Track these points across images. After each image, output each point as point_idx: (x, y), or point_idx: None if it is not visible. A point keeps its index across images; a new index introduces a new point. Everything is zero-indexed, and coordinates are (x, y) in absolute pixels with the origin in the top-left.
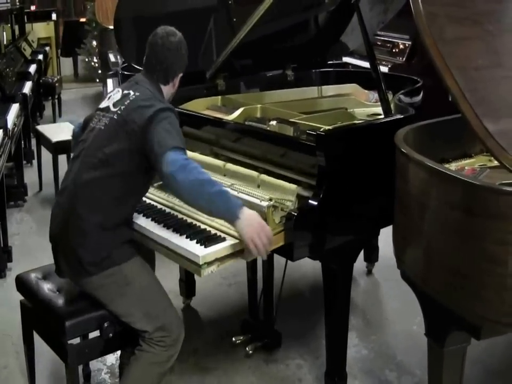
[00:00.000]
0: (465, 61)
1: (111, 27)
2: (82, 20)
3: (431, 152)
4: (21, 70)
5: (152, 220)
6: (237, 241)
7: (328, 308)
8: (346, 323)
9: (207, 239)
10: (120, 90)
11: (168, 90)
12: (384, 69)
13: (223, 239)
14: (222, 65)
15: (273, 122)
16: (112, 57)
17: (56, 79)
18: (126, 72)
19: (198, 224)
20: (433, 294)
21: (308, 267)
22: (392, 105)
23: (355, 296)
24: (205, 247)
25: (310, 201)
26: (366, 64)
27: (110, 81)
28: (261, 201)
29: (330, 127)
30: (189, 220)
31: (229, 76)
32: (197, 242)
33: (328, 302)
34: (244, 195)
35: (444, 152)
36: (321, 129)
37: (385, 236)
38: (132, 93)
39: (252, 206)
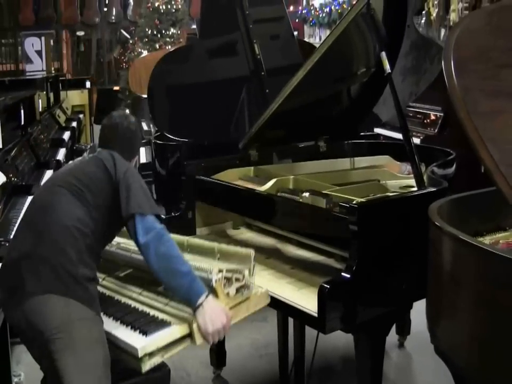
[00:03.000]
0: (500, 134)
1: (144, 96)
2: (116, 88)
3: (465, 225)
4: (55, 136)
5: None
6: (184, 324)
7: (360, 380)
8: None
9: (149, 326)
10: None
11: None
12: (416, 140)
13: (168, 324)
14: (255, 136)
15: (306, 194)
16: (145, 126)
17: (89, 146)
18: (158, 142)
19: (147, 310)
20: (469, 373)
21: (340, 339)
22: (425, 178)
23: (387, 369)
24: (146, 336)
25: (343, 273)
26: (397, 135)
27: (142, 150)
28: (208, 275)
29: (363, 199)
30: (138, 307)
31: (262, 146)
32: (139, 332)
33: (360, 374)
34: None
35: (478, 225)
36: (354, 202)
37: (418, 309)
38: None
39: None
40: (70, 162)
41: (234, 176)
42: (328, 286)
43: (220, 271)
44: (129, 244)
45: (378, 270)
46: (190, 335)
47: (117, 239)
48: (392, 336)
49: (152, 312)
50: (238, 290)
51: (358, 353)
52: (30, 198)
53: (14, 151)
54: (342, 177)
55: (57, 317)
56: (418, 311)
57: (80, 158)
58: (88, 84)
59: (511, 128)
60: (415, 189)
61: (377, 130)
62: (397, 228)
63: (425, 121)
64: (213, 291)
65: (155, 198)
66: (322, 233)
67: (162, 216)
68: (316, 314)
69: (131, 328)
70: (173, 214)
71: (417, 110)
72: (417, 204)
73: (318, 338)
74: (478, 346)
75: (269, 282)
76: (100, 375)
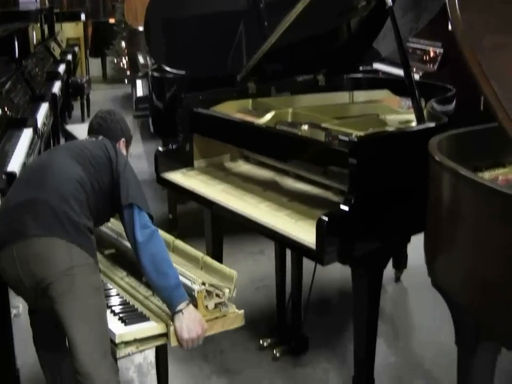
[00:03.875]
0: (504, 69)
1: (140, 28)
2: (111, 20)
3: (464, 161)
4: (50, 70)
5: None
6: (162, 323)
7: (356, 313)
8: (374, 329)
9: (129, 316)
10: None
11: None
12: (416, 76)
13: (147, 319)
14: (253, 69)
15: (305, 127)
16: (141, 59)
17: (85, 79)
18: (155, 74)
19: (128, 299)
20: (465, 303)
21: (336, 272)
22: (425, 113)
23: (383, 303)
24: (125, 325)
25: (341, 206)
26: (396, 71)
27: (139, 83)
28: (192, 284)
29: (362, 133)
30: (119, 293)
31: (260, 79)
32: (118, 319)
33: (357, 307)
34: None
35: (477, 160)
36: (354, 135)
37: (415, 243)
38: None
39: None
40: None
41: (232, 109)
42: (327, 219)
43: (203, 283)
44: (117, 226)
45: (376, 203)
46: (166, 335)
47: None
48: (388, 270)
49: (133, 302)
50: (216, 305)
51: (355, 286)
52: (25, 131)
53: (9, 84)
54: (341, 111)
55: (60, 261)
56: (415, 245)
57: (80, 139)
58: (83, 17)
59: None
60: (415, 124)
61: (376, 65)
62: (396, 162)
63: (424, 57)
64: (193, 300)
65: (152, 131)
66: (320, 166)
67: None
68: (314, 247)
69: (111, 312)
70: (170, 146)
71: (417, 46)
72: (416, 139)
73: (315, 271)
74: (475, 281)
75: (266, 215)
76: (101, 320)
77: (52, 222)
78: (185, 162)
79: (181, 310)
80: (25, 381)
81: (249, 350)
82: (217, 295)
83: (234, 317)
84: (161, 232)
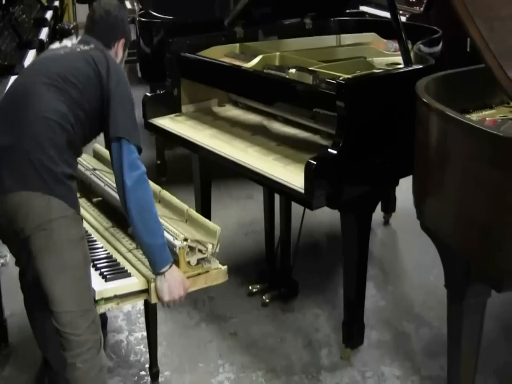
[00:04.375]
0: (489, 10)
1: None
2: None
3: (452, 103)
4: (37, 16)
5: None
6: (143, 279)
7: (346, 257)
8: (364, 273)
9: (110, 272)
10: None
11: (113, 56)
12: (402, 19)
13: (128, 275)
14: (240, 13)
15: (293, 70)
16: (128, 4)
17: (72, 25)
18: (143, 19)
19: (110, 251)
20: (454, 245)
21: (325, 216)
22: (412, 55)
23: (372, 247)
24: (106, 281)
25: (329, 149)
26: (383, 14)
27: None
28: (174, 240)
29: (350, 76)
30: (103, 245)
31: (247, 23)
32: (99, 275)
33: (346, 251)
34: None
35: (465, 102)
36: (341, 78)
37: (403, 186)
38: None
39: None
40: (56, 47)
41: (219, 53)
42: (315, 162)
43: (185, 239)
44: (104, 172)
45: (364, 146)
46: (147, 291)
47: (93, 163)
48: (377, 214)
49: (115, 255)
50: (199, 261)
51: (344, 230)
52: (13, 78)
53: None
54: (328, 54)
55: (37, 215)
56: (404, 188)
57: (68, 46)
58: None
59: (500, 4)
60: (402, 66)
61: (363, 8)
62: (383, 105)
63: None
64: (174, 256)
65: (140, 76)
66: (308, 110)
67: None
68: (302, 191)
69: (93, 266)
70: (158, 91)
71: None
72: (404, 81)
73: (304, 215)
74: (464, 222)
75: (255, 160)
76: (81, 275)
77: (27, 173)
78: (173, 107)
79: (163, 273)
80: (13, 329)
81: (238, 296)
82: (200, 251)
83: (217, 273)
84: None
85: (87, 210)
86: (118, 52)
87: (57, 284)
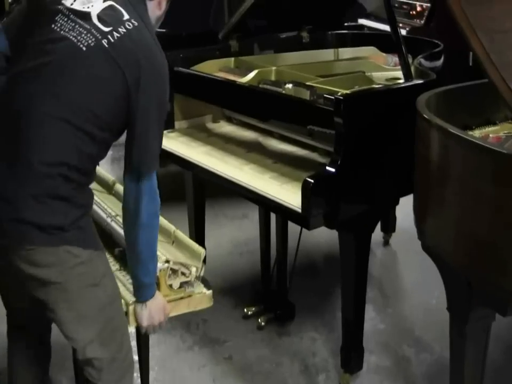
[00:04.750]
0: (492, 23)
1: None
2: None
3: (454, 119)
4: None
5: None
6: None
7: (344, 279)
8: (363, 295)
9: None
10: None
11: (153, 10)
12: (402, 32)
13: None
14: (235, 26)
15: (289, 86)
16: None
17: None
18: None
19: None
20: (457, 267)
21: (323, 236)
22: (412, 70)
23: (372, 268)
24: None
25: (327, 167)
26: (382, 27)
27: None
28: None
29: (348, 91)
30: None
31: (242, 36)
32: None
33: (345, 272)
34: None
35: (467, 118)
36: (339, 93)
37: (403, 205)
38: (125, 16)
39: None
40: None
41: (214, 68)
42: (313, 181)
43: (167, 261)
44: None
45: (363, 164)
46: (126, 313)
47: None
48: (377, 234)
49: None
50: (181, 285)
51: (343, 250)
52: None
53: None
54: (326, 69)
55: (46, 273)
56: (404, 207)
57: (87, 27)
58: None
59: (503, 16)
60: (402, 81)
61: (361, 21)
62: (383, 121)
63: (411, 12)
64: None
65: None
66: (305, 126)
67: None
68: (299, 210)
69: None
70: None
71: (403, 0)
72: (404, 96)
73: (301, 235)
74: (466, 241)
75: (250, 178)
76: (106, 318)
77: (30, 224)
78: (166, 123)
79: (145, 302)
80: None
81: (233, 318)
82: (183, 274)
83: (201, 297)
84: None
85: None
86: (162, 4)
87: (81, 332)
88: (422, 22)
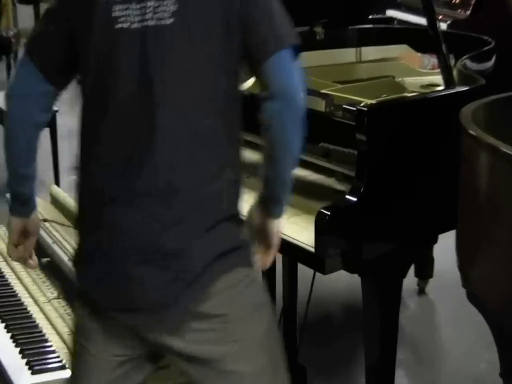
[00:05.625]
0: None
1: None
2: None
3: (507, 135)
4: None
5: None
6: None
7: (367, 336)
8: (392, 357)
9: (40, 361)
10: None
11: None
12: (442, 26)
13: (63, 367)
14: None
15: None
16: None
17: (12, 33)
18: None
19: (43, 329)
20: (510, 323)
21: (341, 282)
22: (455, 73)
23: (403, 323)
24: (32, 373)
25: (347, 196)
26: (417, 20)
27: None
28: None
29: (373, 101)
30: (39, 323)
31: None
32: (26, 364)
33: (368, 328)
34: None
35: None
36: (362, 104)
37: (443, 245)
38: None
39: None
40: None
41: None
42: (329, 213)
43: None
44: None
45: (392, 192)
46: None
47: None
48: (410, 280)
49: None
50: None
51: (366, 300)
52: None
53: None
54: (345, 73)
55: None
56: (444, 247)
57: None
58: None
59: None
60: (442, 87)
61: (390, 12)
62: (417, 138)
63: (453, 1)
64: None
65: None
66: (320, 145)
67: None
68: (312, 249)
69: (20, 353)
70: None
71: None
72: (444, 107)
73: (314, 280)
74: None
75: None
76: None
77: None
78: None
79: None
80: None
81: None
82: None
83: None
84: None
85: (31, 275)
86: None
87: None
88: (467, 12)
